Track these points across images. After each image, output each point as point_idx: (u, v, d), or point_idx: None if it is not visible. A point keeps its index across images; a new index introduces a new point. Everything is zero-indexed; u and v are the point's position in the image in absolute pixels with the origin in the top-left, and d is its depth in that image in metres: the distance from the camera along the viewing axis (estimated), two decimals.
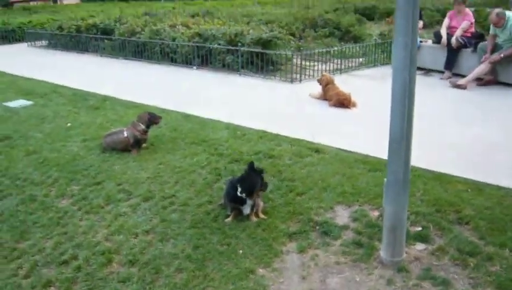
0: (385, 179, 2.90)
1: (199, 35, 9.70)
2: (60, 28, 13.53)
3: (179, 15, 13.71)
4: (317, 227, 3.42)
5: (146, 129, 4.98)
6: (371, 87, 7.87)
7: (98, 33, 12.34)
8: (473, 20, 8.76)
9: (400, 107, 2.64)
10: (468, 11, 8.96)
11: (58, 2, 32.75)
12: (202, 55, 9.54)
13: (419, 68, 9.09)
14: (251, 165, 3.57)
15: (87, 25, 12.70)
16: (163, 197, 3.90)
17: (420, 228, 3.36)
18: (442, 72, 8.57)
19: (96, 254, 3.13)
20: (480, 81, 7.92)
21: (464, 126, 5.72)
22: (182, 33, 10.23)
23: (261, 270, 2.94)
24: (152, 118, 5.04)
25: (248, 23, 11.98)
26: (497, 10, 7.89)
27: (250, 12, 14.31)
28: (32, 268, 3.01)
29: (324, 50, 9.64)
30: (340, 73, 8.92)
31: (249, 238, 3.26)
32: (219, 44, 9.26)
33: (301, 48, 9.96)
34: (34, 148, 5.16)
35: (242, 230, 3.36)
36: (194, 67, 9.64)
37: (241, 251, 3.11)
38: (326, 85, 6.77)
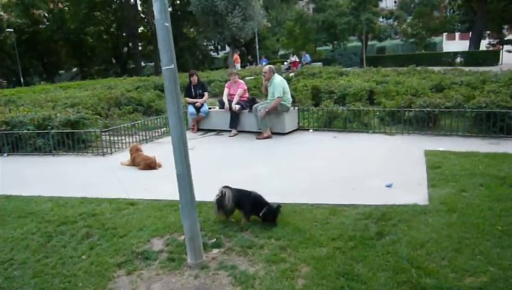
0: (180, 205, 4.13)
1: (6, 123, 9.96)
2: None
3: None
4: (139, 256, 4.43)
5: None
6: (169, 151, 9.22)
7: None
8: (246, 88, 11.00)
9: (179, 153, 3.95)
10: (241, 81, 11.21)
11: None
12: (12, 141, 9.79)
13: (212, 130, 10.93)
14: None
15: None
16: (2, 262, 4.46)
17: (214, 239, 4.63)
18: (230, 131, 10.43)
19: None
20: (260, 135, 9.90)
21: (243, 167, 7.39)
22: None
23: None
24: None
25: (53, 107, 12.52)
26: (270, 65, 10.41)
27: (54, 98, 14.73)
28: None
29: (129, 124, 10.84)
30: (146, 142, 10.14)
31: (85, 274, 4.11)
32: (28, 129, 9.68)
33: (108, 125, 10.91)
34: None
35: (78, 270, 4.19)
36: (5, 154, 9.80)
37: (80, 284, 3.95)
38: (134, 152, 7.89)
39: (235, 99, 10.47)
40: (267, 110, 9.63)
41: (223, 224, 4.97)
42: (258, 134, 9.94)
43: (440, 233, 4.47)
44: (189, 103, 11.30)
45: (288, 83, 10.42)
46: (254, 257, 4.22)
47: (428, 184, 5.95)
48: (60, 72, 56.36)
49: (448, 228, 4.57)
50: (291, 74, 22.27)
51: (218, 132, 10.89)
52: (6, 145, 9.80)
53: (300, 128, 10.49)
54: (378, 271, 3.82)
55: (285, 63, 32.68)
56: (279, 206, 4.88)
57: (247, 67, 32.86)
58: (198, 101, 11.10)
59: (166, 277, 4.01)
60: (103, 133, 10.23)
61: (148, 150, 8.74)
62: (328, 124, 10.33)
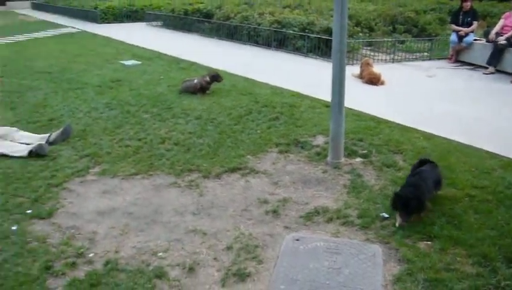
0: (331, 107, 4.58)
1: (278, 22, 11.57)
2: (173, 10, 16.27)
3: (272, 5, 15.67)
4: (299, 144, 5.14)
5: (209, 81, 7.00)
6: (408, 74, 9.20)
7: (201, 17, 14.78)
8: None
9: (336, 58, 4.31)
10: None
11: None
12: (280, 39, 11.40)
13: (470, 64, 10.17)
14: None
15: (193, 9, 15.23)
16: (207, 118, 5.89)
17: (366, 151, 4.94)
18: (487, 68, 9.50)
19: (156, 138, 5.21)
20: None
21: (458, 104, 6.95)
22: (268, 20, 12.16)
23: (248, 156, 4.77)
24: (215, 76, 7.07)
25: (332, 16, 13.57)
26: None
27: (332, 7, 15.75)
28: (120, 141, 5.16)
29: (391, 41, 11.06)
30: (392, 62, 10.28)
31: (250, 142, 5.11)
32: (294, 30, 11.05)
33: (363, 39, 11.38)
34: (134, 87, 7.50)
35: (248, 139, 5.22)
36: (273, 48, 11.53)
37: (241, 148, 4.97)
38: (363, 66, 8.30)
39: (510, 33, 9.32)
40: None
41: (385, 142, 5.16)
42: None
43: None
44: (453, 30, 10.63)
45: None
46: (385, 175, 4.40)
47: None
48: None
49: None
50: None
51: (476, 66, 10.05)
52: (274, 40, 11.46)
53: None
54: (487, 228, 3.47)
55: None
56: (413, 199, 3.44)
57: None
58: (463, 29, 10.32)
59: (303, 164, 4.64)
60: (365, 47, 10.83)
61: (388, 68, 9.06)
62: None
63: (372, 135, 5.37)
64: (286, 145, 5.08)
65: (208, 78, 7.00)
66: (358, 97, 7.03)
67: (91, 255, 3.11)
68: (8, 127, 5.28)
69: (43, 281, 2.82)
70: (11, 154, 4.75)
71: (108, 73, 8.74)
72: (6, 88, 7.63)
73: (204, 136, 5.28)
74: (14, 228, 3.43)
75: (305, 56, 10.64)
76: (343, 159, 4.68)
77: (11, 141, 4.99)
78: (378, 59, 10.21)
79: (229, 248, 3.19)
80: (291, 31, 11.10)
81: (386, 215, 3.60)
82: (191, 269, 2.96)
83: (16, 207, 3.74)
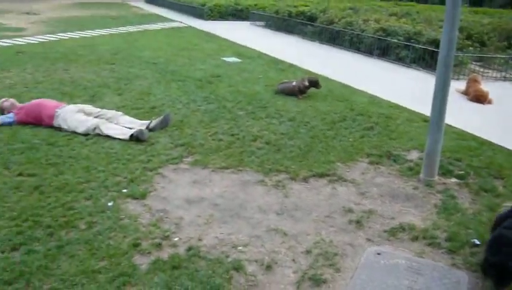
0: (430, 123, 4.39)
1: (383, 30, 11.28)
2: (277, 11, 16.51)
3: (378, 12, 15.31)
4: (391, 157, 4.98)
5: (308, 86, 7.02)
6: None
7: (304, 19, 14.83)
8: None
9: (441, 70, 4.12)
10: None
11: None
12: (383, 47, 11.10)
13: None
14: None
15: (297, 11, 15.34)
16: (301, 121, 5.91)
17: (462, 172, 4.66)
18: None
19: (249, 135, 5.33)
20: None
21: None
22: (372, 27, 11.89)
23: (338, 163, 4.71)
24: (315, 82, 7.09)
25: (440, 27, 12.97)
26: None
27: (441, 17, 15.03)
28: (214, 134, 5.34)
29: (495, 56, 10.35)
30: (504, 80, 9.60)
31: (341, 150, 5.04)
32: (398, 40, 10.70)
33: (473, 54, 10.72)
34: (233, 84, 7.74)
35: (340, 146, 5.15)
36: (374, 57, 11.27)
37: (331, 153, 4.92)
38: (470, 83, 7.83)
39: None
40: None
41: (486, 164, 4.83)
42: None
43: None
44: None
45: None
46: (482, 199, 4.11)
47: None
48: None
49: None
50: None
51: None
52: (376, 49, 11.19)
53: None
54: None
55: None
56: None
57: None
58: None
59: (393, 178, 4.49)
60: (474, 62, 10.25)
61: (498, 88, 8.58)
62: None
63: (472, 156, 5.06)
64: (378, 156, 4.94)
65: (306, 83, 7.02)
66: (461, 115, 6.65)
67: (176, 239, 3.26)
68: (115, 111, 5.69)
69: (130, 257, 3.01)
70: (115, 136, 5.12)
71: (210, 68, 9.09)
72: (115, 75, 8.22)
73: (295, 139, 5.31)
74: (110, 204, 3.70)
75: (408, 67, 10.27)
76: (436, 178, 4.46)
77: (115, 123, 5.37)
78: (487, 76, 9.61)
79: (308, 252, 3.19)
80: (395, 40, 10.76)
81: (478, 242, 3.38)
82: (268, 267, 3.00)
83: (114, 185, 4.03)
